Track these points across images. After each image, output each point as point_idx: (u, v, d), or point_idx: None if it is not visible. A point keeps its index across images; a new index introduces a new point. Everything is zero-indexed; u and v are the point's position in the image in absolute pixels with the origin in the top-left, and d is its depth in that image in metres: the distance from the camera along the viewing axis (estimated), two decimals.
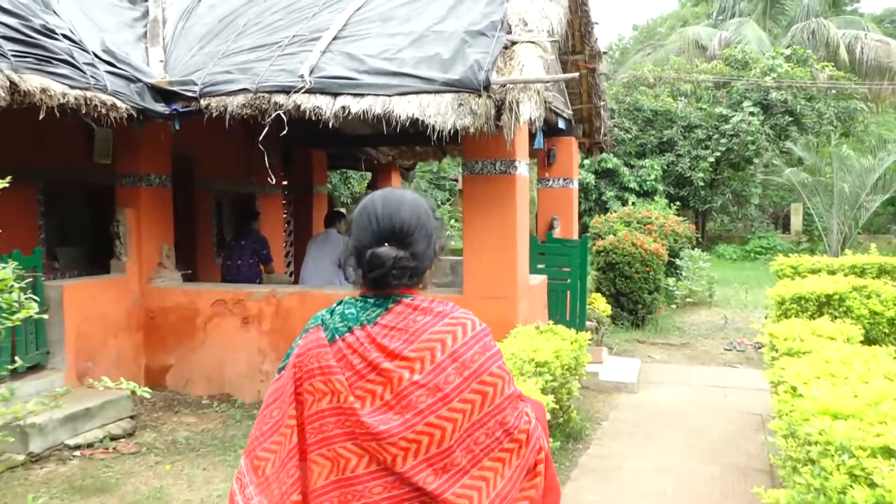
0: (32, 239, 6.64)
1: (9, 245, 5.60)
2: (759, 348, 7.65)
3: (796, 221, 22.52)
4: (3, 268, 2.67)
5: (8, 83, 4.57)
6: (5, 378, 5.02)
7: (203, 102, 5.73)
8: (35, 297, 3.01)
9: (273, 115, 5.44)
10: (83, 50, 5.58)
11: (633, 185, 18.37)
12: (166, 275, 6.83)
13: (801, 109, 19.11)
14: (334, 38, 5.85)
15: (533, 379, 4.34)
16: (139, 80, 5.85)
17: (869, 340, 5.40)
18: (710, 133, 19.20)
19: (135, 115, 5.66)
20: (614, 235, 10.59)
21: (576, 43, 8.01)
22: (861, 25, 24.87)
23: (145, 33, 6.73)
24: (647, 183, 18.50)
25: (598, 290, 9.90)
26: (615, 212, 14.01)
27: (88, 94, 5.18)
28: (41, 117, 4.90)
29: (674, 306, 11.63)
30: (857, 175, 16.11)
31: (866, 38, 23.07)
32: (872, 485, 2.19)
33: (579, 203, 13.45)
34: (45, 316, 3.07)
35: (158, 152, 6.72)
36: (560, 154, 9.01)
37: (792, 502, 2.54)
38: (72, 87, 5.09)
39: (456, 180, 19.26)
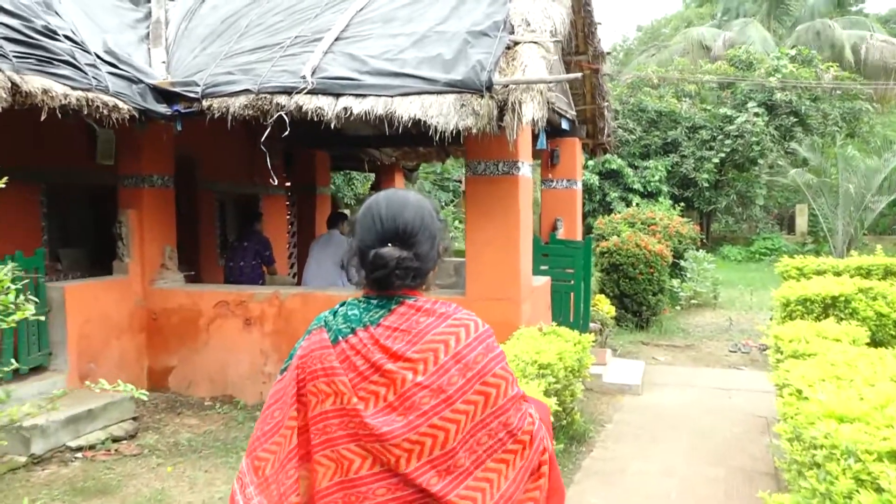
0: (35, 240, 6.64)
1: (12, 246, 5.60)
2: (764, 350, 7.61)
3: (801, 222, 22.43)
4: (0, 269, 2.65)
5: (9, 84, 4.56)
6: (5, 380, 5.03)
7: (205, 103, 5.72)
8: (34, 299, 3.00)
9: (275, 116, 5.43)
10: (85, 51, 5.58)
11: (637, 186, 18.32)
12: (169, 276, 6.82)
13: (806, 110, 19.04)
14: (336, 39, 5.84)
15: (536, 381, 4.31)
16: (141, 81, 5.84)
17: (875, 342, 5.36)
18: (715, 134, 19.14)
19: (137, 116, 5.65)
20: (618, 236, 10.55)
21: (579, 43, 7.98)
22: (866, 26, 24.80)
23: (148, 34, 6.72)
24: (652, 184, 18.45)
25: (601, 291, 9.87)
26: (619, 213, 13.97)
27: (90, 95, 5.17)
28: (42, 118, 4.90)
29: (678, 308, 11.59)
30: (863, 176, 16.04)
31: (871, 38, 23.01)
32: (879, 489, 2.15)
33: (583, 204, 13.44)
34: (42, 317, 3.06)
35: (161, 153, 6.71)
36: (564, 155, 8.99)
37: None
38: (73, 88, 5.08)
39: (460, 181, 19.23)
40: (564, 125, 7.61)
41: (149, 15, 7.04)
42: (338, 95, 5.36)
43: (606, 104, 8.98)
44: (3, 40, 4.82)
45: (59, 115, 5.01)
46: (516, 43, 5.36)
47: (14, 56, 4.79)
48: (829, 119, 19.36)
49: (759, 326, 8.02)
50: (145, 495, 4.54)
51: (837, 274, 6.97)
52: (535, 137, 5.95)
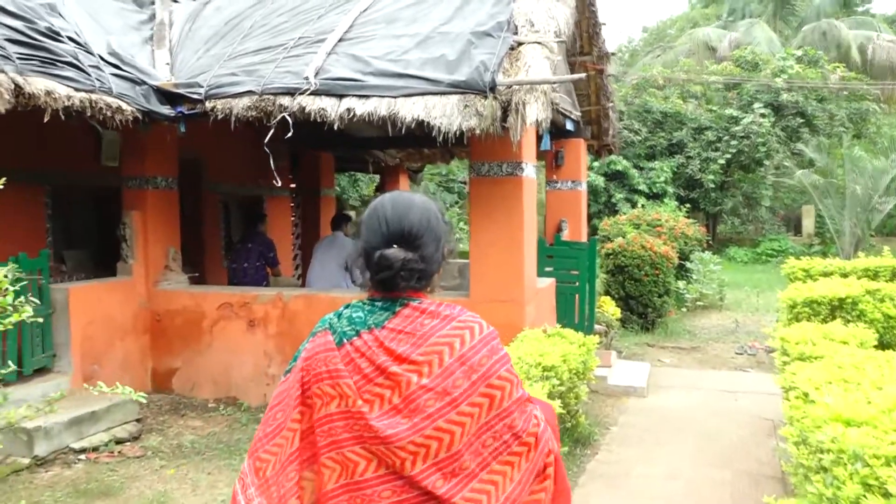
0: (39, 242, 6.65)
1: (16, 248, 5.61)
2: (771, 352, 7.56)
3: (808, 224, 22.33)
4: None
5: (13, 86, 4.56)
6: (8, 381, 5.02)
7: (208, 105, 5.72)
8: (35, 300, 2.99)
9: (278, 118, 5.42)
10: (89, 52, 5.58)
11: (642, 187, 18.28)
12: (172, 278, 6.82)
13: (813, 111, 18.97)
14: (340, 40, 5.83)
15: (540, 383, 4.29)
16: (145, 83, 5.85)
17: (883, 345, 5.32)
18: (721, 135, 19.09)
19: (140, 117, 5.65)
20: (623, 238, 10.51)
21: (584, 44, 7.96)
22: (873, 26, 24.71)
23: (152, 36, 6.73)
24: (657, 185, 18.41)
25: (607, 293, 9.83)
26: (624, 214, 13.93)
27: (93, 96, 5.17)
28: (46, 120, 4.90)
29: (684, 309, 11.54)
30: (870, 177, 15.96)
31: (878, 38, 22.91)
32: (887, 495, 2.13)
33: (588, 205, 13.40)
34: (41, 319, 3.04)
35: (164, 155, 6.71)
36: (568, 156, 8.96)
37: None
38: (77, 89, 5.08)
39: (465, 183, 19.21)
40: (569, 126, 7.59)
41: (153, 17, 7.05)
42: (341, 96, 5.35)
43: (611, 105, 8.95)
44: (6, 42, 4.83)
45: (63, 117, 5.01)
46: (520, 43, 5.34)
47: (17, 58, 4.80)
48: (836, 120, 19.28)
49: (765, 328, 7.98)
50: (148, 497, 4.54)
51: (844, 275, 6.92)
52: (538, 138, 5.94)
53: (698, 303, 11.90)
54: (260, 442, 1.58)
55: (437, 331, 1.54)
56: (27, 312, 2.69)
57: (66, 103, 4.94)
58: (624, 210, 16.46)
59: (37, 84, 4.76)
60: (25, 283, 3.38)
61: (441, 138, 5.06)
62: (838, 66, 20.25)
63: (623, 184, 18.42)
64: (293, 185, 10.56)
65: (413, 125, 5.15)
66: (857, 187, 15.92)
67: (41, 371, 5.74)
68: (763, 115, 18.52)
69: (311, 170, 10.60)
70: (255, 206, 9.35)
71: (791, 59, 19.82)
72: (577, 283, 7.29)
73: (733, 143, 18.67)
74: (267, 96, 5.52)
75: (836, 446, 2.40)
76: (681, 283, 11.64)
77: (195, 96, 5.79)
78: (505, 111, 5.00)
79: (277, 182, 5.81)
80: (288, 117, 5.40)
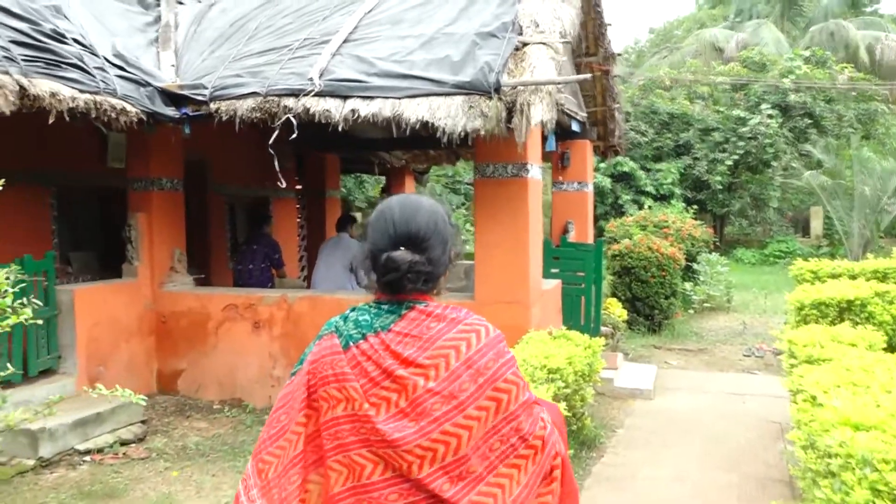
0: (46, 243, 6.66)
1: (22, 249, 5.62)
2: (779, 354, 7.51)
3: (816, 225, 22.21)
4: None
5: (17, 87, 4.57)
6: (14, 382, 5.03)
7: (213, 106, 5.72)
8: (37, 302, 2.98)
9: (282, 119, 5.41)
10: (94, 54, 5.59)
11: (649, 188, 18.23)
12: (178, 279, 6.82)
13: (821, 111, 18.88)
14: (344, 41, 5.82)
15: (545, 385, 4.26)
16: (149, 84, 5.85)
17: (892, 348, 5.26)
18: (728, 136, 19.01)
19: (145, 119, 5.65)
20: (630, 239, 10.47)
21: (589, 45, 7.94)
22: (881, 26, 24.59)
23: (157, 38, 6.73)
24: (664, 186, 18.35)
25: (613, 294, 9.80)
26: (631, 215, 13.89)
27: (98, 98, 5.17)
28: (50, 121, 4.90)
29: (691, 311, 11.48)
30: (879, 178, 15.88)
31: (886, 39, 22.80)
32: None
33: (595, 207, 13.38)
34: (40, 322, 3.03)
35: (170, 156, 6.72)
36: (574, 157, 8.93)
37: None
38: (81, 91, 5.08)
39: (471, 184, 19.17)
40: (575, 127, 7.56)
41: (158, 19, 7.06)
42: (345, 97, 5.34)
43: (617, 106, 8.92)
44: (11, 44, 4.83)
45: (67, 119, 5.01)
46: (525, 44, 5.32)
47: (22, 59, 4.80)
48: (844, 120, 19.19)
49: (773, 330, 7.93)
50: (152, 499, 4.53)
51: (853, 277, 6.86)
52: (544, 139, 5.91)
53: (705, 304, 11.85)
54: (264, 444, 1.59)
55: (443, 334, 1.54)
56: (26, 314, 2.68)
57: (71, 105, 4.94)
58: (631, 211, 16.41)
59: (41, 86, 4.76)
60: (24, 284, 3.36)
61: (446, 139, 5.04)
62: (846, 67, 20.15)
63: (630, 185, 18.37)
64: (299, 187, 10.56)
65: (417, 126, 5.13)
66: (865, 188, 15.84)
67: (46, 372, 5.74)
68: (771, 116, 18.44)
69: (316, 171, 10.60)
70: (260, 208, 9.36)
71: (799, 59, 19.74)
72: (583, 285, 7.25)
73: (741, 144, 18.59)
74: (271, 98, 5.52)
75: (845, 451, 2.37)
76: (688, 285, 11.59)
77: (200, 98, 5.79)
78: (510, 112, 4.98)
79: (282, 183, 5.79)
80: (292, 119, 5.39)
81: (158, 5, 7.26)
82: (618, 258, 10.05)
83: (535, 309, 5.83)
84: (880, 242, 17.54)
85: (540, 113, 4.79)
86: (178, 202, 6.91)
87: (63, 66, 5.11)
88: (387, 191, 12.90)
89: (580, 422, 5.24)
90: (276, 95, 5.51)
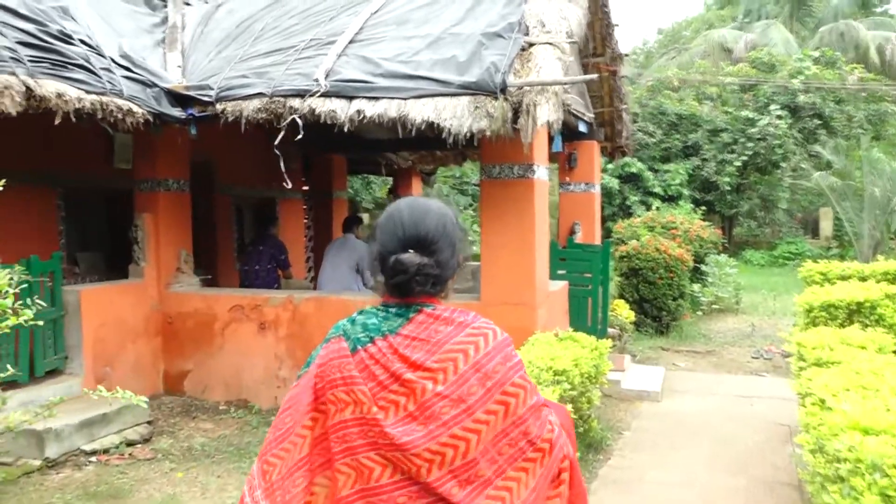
0: (53, 244, 6.69)
1: (30, 250, 5.64)
2: (787, 356, 7.46)
3: (826, 226, 22.07)
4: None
5: (24, 88, 4.58)
6: (23, 383, 5.04)
7: (219, 107, 5.72)
8: (41, 303, 2.98)
9: (288, 120, 5.40)
10: (100, 55, 5.59)
11: (657, 189, 18.17)
12: (184, 280, 6.82)
13: (830, 112, 18.76)
14: (350, 42, 5.81)
15: (550, 388, 4.23)
16: (156, 85, 5.85)
17: None
18: (737, 137, 18.93)
19: (151, 119, 5.66)
20: (637, 240, 10.43)
21: (597, 45, 7.91)
22: (892, 27, 24.45)
23: (164, 39, 6.74)
24: (672, 187, 18.28)
25: (621, 296, 9.76)
26: (639, 216, 13.83)
27: (104, 98, 5.17)
28: (56, 122, 4.91)
29: (699, 313, 11.42)
30: (889, 179, 15.76)
31: None
32: None
33: (603, 208, 13.33)
34: (41, 323, 3.03)
35: (176, 157, 6.72)
36: (581, 158, 8.90)
37: None
38: (88, 91, 5.08)
39: (479, 185, 19.14)
40: (582, 128, 7.53)
41: (165, 20, 7.07)
42: (351, 98, 5.33)
43: (625, 107, 8.89)
44: (18, 45, 4.85)
45: (73, 119, 5.02)
46: (531, 44, 5.29)
47: (29, 60, 4.81)
48: (854, 121, 19.07)
49: (781, 332, 7.87)
50: (157, 500, 4.53)
51: (863, 279, 6.81)
52: (550, 140, 5.89)
53: (714, 306, 11.78)
54: (269, 446, 1.59)
55: (451, 337, 1.54)
56: (26, 315, 2.67)
57: (77, 105, 4.94)
58: (638, 212, 16.36)
59: (48, 86, 4.77)
60: (25, 284, 3.35)
61: (451, 140, 5.02)
62: (856, 67, 20.03)
63: (638, 186, 18.31)
64: (306, 188, 10.57)
65: (423, 127, 5.11)
66: (875, 189, 15.72)
67: (53, 373, 5.76)
68: (780, 117, 18.35)
69: (323, 172, 10.60)
70: (267, 209, 9.37)
71: (808, 60, 19.63)
72: (590, 287, 7.22)
73: (749, 145, 18.50)
74: (277, 98, 5.51)
75: (854, 455, 2.34)
76: (696, 287, 11.53)
77: (206, 98, 5.79)
78: (516, 112, 4.95)
79: (288, 184, 5.80)
80: (298, 119, 5.39)
81: (166, 6, 7.27)
82: (625, 259, 10.01)
83: (541, 310, 5.81)
84: (890, 244, 17.39)
85: (546, 113, 4.76)
86: (184, 203, 6.92)
87: (69, 66, 5.12)
88: (394, 192, 12.89)
89: (587, 424, 5.21)
90: (282, 96, 5.50)
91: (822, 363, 3.95)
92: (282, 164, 5.52)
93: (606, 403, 6.48)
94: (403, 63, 5.45)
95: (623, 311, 8.60)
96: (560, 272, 7.19)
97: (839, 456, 2.44)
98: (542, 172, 5.94)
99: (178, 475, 4.92)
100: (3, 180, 2.89)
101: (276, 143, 5.42)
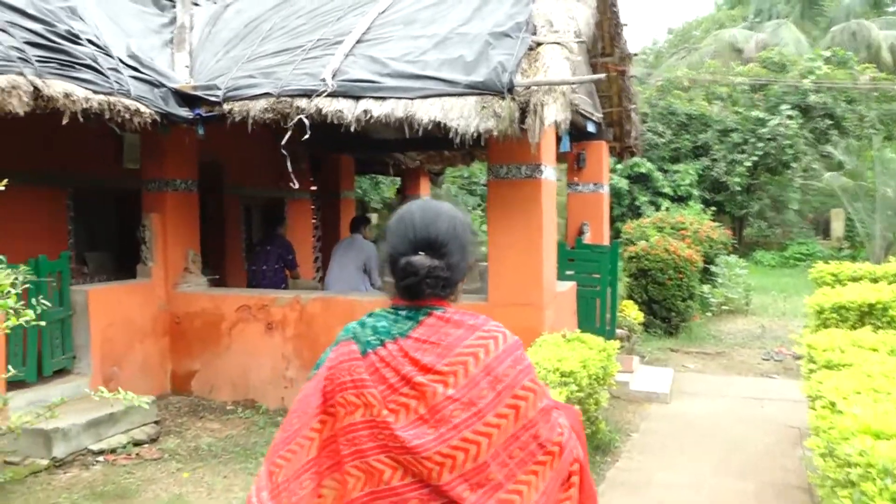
0: (62, 243, 6.71)
1: (39, 249, 5.65)
2: (798, 358, 7.39)
3: (837, 227, 21.90)
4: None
5: (31, 88, 4.59)
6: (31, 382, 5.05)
7: (226, 107, 5.71)
8: (46, 303, 2.97)
9: (295, 120, 5.39)
10: (108, 55, 5.60)
11: (666, 189, 18.09)
12: (192, 280, 6.83)
13: (842, 112, 18.63)
14: (357, 42, 5.79)
15: (558, 389, 4.20)
16: (163, 85, 5.86)
17: None
18: (747, 137, 18.82)
19: (159, 119, 5.66)
20: (647, 241, 10.37)
21: (605, 45, 7.87)
22: None
23: (172, 39, 6.75)
24: (682, 188, 18.20)
25: (629, 297, 9.71)
26: (648, 217, 13.77)
27: (112, 98, 5.18)
28: (64, 122, 4.92)
29: (709, 314, 11.35)
30: None
31: None
32: None
33: (612, 208, 13.29)
34: (42, 323, 3.02)
35: (184, 157, 6.73)
36: (590, 158, 8.87)
37: None
38: (95, 91, 5.09)
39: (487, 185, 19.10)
40: (590, 128, 7.49)
41: (174, 20, 7.08)
42: (358, 98, 5.31)
43: (634, 107, 8.85)
44: (25, 45, 4.86)
45: (81, 119, 5.03)
46: (539, 44, 5.26)
47: (36, 60, 4.82)
48: (866, 121, 18.93)
49: (792, 334, 7.80)
50: (164, 500, 4.53)
51: (874, 280, 6.73)
52: (558, 140, 5.85)
53: (724, 307, 11.71)
54: (276, 447, 1.59)
55: (461, 341, 1.54)
56: (28, 316, 2.66)
57: (85, 105, 4.95)
58: (648, 213, 16.29)
59: (55, 87, 4.78)
60: (28, 284, 3.35)
61: (458, 140, 5.00)
62: (868, 67, 19.88)
63: (647, 186, 18.24)
64: (314, 188, 10.57)
65: (430, 127, 5.09)
66: (887, 190, 15.59)
67: (61, 372, 5.77)
68: (790, 117, 18.23)
69: (331, 172, 10.60)
70: (276, 209, 9.38)
71: (819, 59, 19.50)
72: (599, 287, 7.19)
73: (760, 145, 18.39)
74: (284, 98, 5.50)
75: (865, 460, 2.30)
76: (706, 288, 11.46)
77: (213, 98, 5.79)
78: (523, 112, 4.92)
79: (295, 184, 5.78)
80: (305, 119, 5.38)
81: (174, 7, 7.29)
82: (634, 260, 9.96)
83: (548, 311, 5.78)
84: None
85: (554, 113, 4.73)
86: (192, 203, 6.93)
87: (77, 66, 5.13)
88: (402, 192, 12.88)
89: (594, 426, 5.17)
90: (289, 96, 5.50)
91: (833, 365, 3.90)
92: (289, 165, 5.52)
93: (614, 405, 6.44)
94: (410, 63, 5.43)
95: (632, 312, 8.56)
96: (568, 273, 7.15)
97: (850, 460, 2.41)
98: (550, 172, 5.91)
99: (184, 475, 4.92)
100: (6, 180, 2.87)
101: (283, 143, 5.42)
